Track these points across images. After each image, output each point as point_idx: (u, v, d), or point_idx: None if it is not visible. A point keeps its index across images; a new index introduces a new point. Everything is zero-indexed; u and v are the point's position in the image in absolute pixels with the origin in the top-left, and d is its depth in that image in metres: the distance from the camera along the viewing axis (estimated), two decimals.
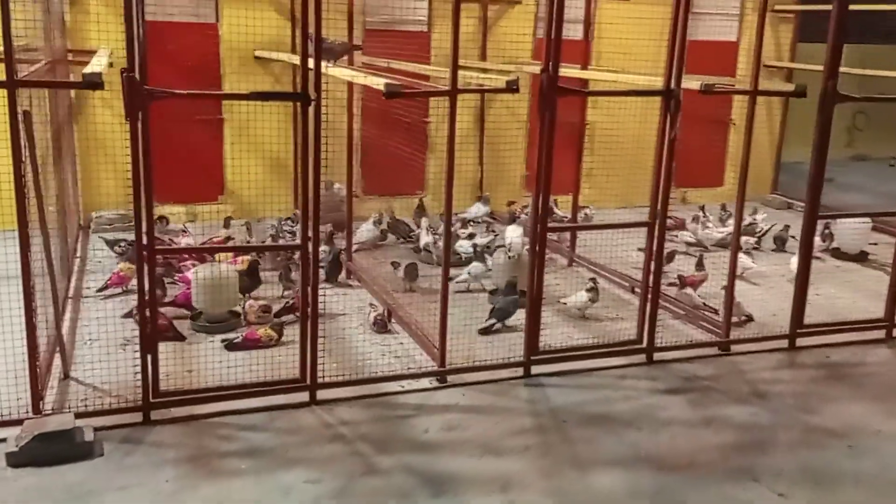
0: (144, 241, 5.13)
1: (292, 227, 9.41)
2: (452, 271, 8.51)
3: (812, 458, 5.21)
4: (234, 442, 5.12)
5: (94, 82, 4.74)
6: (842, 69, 6.53)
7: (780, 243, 10.07)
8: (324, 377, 5.67)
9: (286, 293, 7.51)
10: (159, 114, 9.76)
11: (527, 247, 6.63)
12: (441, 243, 9.02)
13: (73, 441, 4.87)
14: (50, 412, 5.17)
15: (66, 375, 5.84)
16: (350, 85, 8.07)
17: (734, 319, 7.09)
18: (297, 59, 7.36)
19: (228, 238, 8.64)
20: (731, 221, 8.06)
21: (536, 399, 5.91)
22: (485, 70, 10.87)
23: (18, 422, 4.98)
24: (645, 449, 5.22)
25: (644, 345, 6.54)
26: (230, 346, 6.42)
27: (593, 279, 7.74)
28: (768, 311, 7.61)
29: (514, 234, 8.23)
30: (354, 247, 8.88)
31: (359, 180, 10.80)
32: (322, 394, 5.67)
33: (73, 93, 9.30)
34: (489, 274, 8.17)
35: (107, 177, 9.53)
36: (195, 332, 6.77)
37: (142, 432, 5.18)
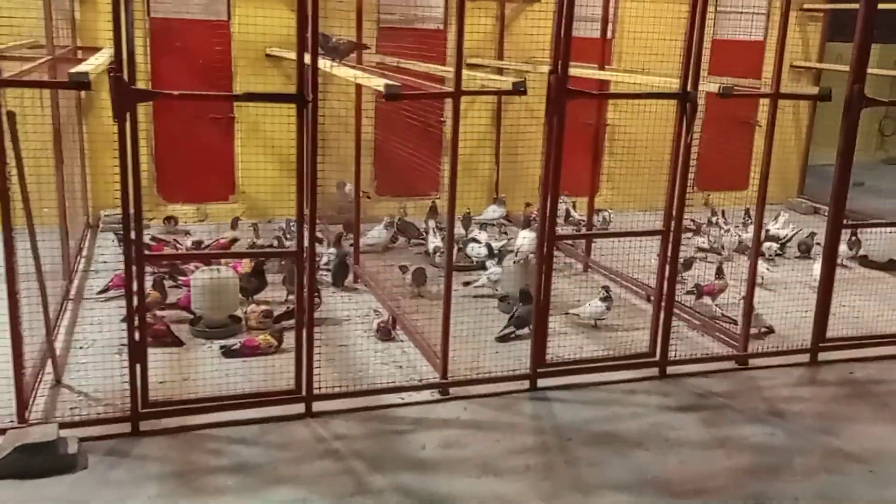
0: (133, 246, 4.92)
1: None
2: (466, 276, 8.39)
3: (831, 485, 4.91)
4: (223, 457, 4.93)
5: (81, 82, 4.57)
6: (871, 71, 6.22)
7: (805, 250, 9.73)
8: (320, 388, 5.47)
9: (290, 297, 7.32)
10: (170, 113, 9.80)
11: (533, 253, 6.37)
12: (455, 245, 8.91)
13: (55, 453, 4.70)
14: (35, 422, 5.00)
15: (57, 381, 5.69)
16: (358, 85, 7.86)
17: (753, 331, 6.81)
18: (306, 58, 7.21)
19: (234, 240, 8.48)
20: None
21: (541, 415, 5.67)
22: (501, 70, 10.69)
23: (2, 431, 4.83)
24: (652, 472, 4.95)
25: (657, 358, 6.27)
26: (228, 352, 6.24)
27: (606, 287, 7.48)
28: (790, 322, 7.28)
29: (524, 239, 7.98)
30: (362, 249, 8.68)
31: (371, 181, 10.63)
32: (318, 405, 5.46)
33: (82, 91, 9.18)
34: (502, 278, 7.93)
35: (116, 175, 9.41)
36: (194, 337, 6.59)
37: (129, 444, 5.00)
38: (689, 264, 8.31)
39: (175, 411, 5.22)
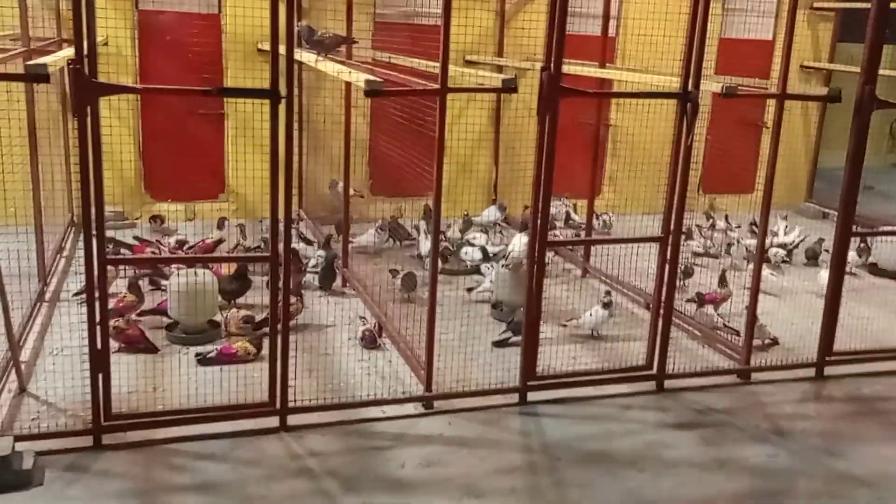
0: (94, 249, 4.63)
1: (293, 228, 8.95)
2: (461, 281, 8.10)
3: None
4: (188, 473, 4.64)
5: (38, 74, 4.29)
6: (883, 72, 5.91)
7: (812, 256, 9.40)
8: (295, 401, 5.17)
9: None
10: (157, 108, 9.52)
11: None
12: (448, 249, 8.61)
13: (9, 468, 4.41)
14: None
15: (22, 390, 5.41)
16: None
17: (757, 343, 6.49)
18: (298, 53, 6.92)
19: (220, 241, 8.19)
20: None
21: (530, 431, 5.36)
22: (500, 67, 10.38)
23: None
24: (646, 496, 4.65)
25: (654, 371, 5.96)
26: (203, 360, 5.95)
27: (608, 292, 7.19)
28: (795, 332, 6.97)
29: (517, 243, 7.67)
30: (354, 250, 8.40)
31: (366, 180, 10.33)
32: (294, 419, 5.17)
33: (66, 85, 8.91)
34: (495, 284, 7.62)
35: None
36: (170, 343, 6.31)
37: (89, 459, 4.71)
38: (690, 272, 7.99)
39: (140, 424, 4.93)
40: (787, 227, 9.84)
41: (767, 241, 9.21)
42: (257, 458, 4.80)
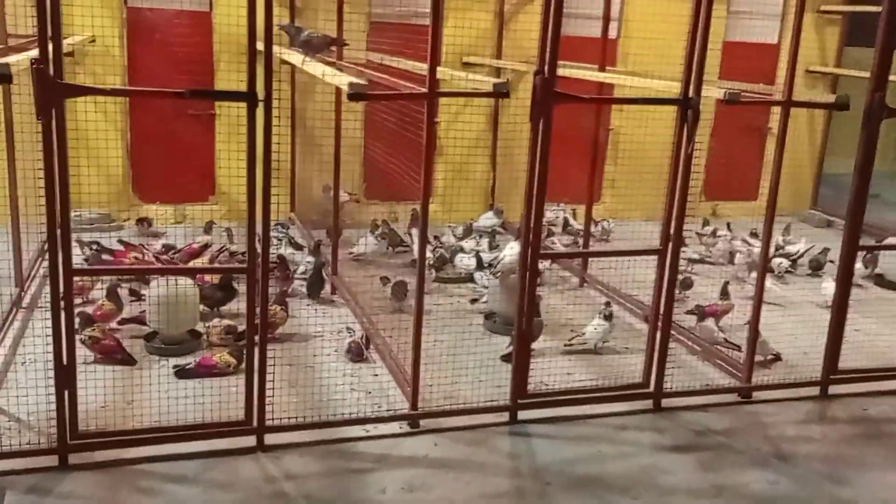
0: (61, 258, 4.39)
1: (283, 233, 8.72)
2: (455, 289, 7.87)
3: None
4: (156, 497, 4.40)
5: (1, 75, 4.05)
6: (894, 78, 5.65)
7: (817, 267, 9.13)
8: (273, 419, 4.92)
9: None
10: (146, 108, 9.28)
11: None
12: (442, 256, 8.36)
13: None
14: None
15: None
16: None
17: (759, 359, 6.24)
18: (287, 54, 6.69)
19: (207, 245, 7.96)
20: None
21: (519, 453, 5.11)
22: (499, 70, 10.14)
23: None
24: None
25: (651, 389, 5.70)
26: (181, 372, 5.71)
27: (608, 303, 6.97)
28: (799, 347, 6.68)
29: (510, 251, 7.43)
30: (351, 255, 8.18)
31: (360, 184, 10.10)
32: (272, 438, 4.93)
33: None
34: (488, 294, 7.38)
35: (87, 174, 8.90)
36: (149, 354, 6.07)
37: (54, 480, 4.47)
38: (689, 283, 7.74)
39: (109, 443, 4.69)
40: (784, 240, 9.54)
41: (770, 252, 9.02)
42: (230, 481, 4.56)
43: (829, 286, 8.09)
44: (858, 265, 8.50)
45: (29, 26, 7.78)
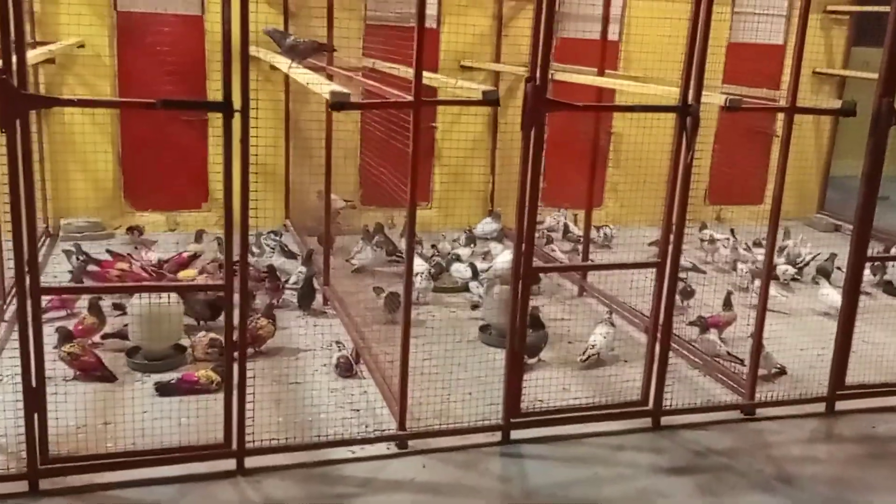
0: (27, 277, 4.21)
1: (276, 241, 8.52)
2: (451, 299, 7.67)
3: None
4: None
5: None
6: None
7: (825, 275, 8.88)
8: (254, 441, 4.73)
9: (254, 323, 6.55)
10: (138, 114, 9.08)
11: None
12: (439, 265, 8.16)
13: None
14: None
15: None
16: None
17: (762, 372, 6.03)
18: (276, 60, 6.51)
19: (195, 255, 7.77)
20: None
21: (510, 476, 4.90)
22: (498, 73, 9.94)
23: None
24: None
25: (650, 406, 5.49)
26: (162, 389, 5.52)
27: (610, 311, 6.79)
28: (805, 360, 6.45)
29: (502, 258, 7.24)
30: (354, 265, 8.01)
31: (356, 190, 9.90)
32: (253, 461, 4.73)
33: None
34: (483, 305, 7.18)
35: (77, 181, 8.78)
36: (131, 370, 5.89)
37: None
38: (691, 291, 7.52)
39: (81, 468, 4.50)
40: (787, 252, 9.29)
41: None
42: None
43: (828, 292, 7.90)
44: (867, 272, 8.27)
45: None
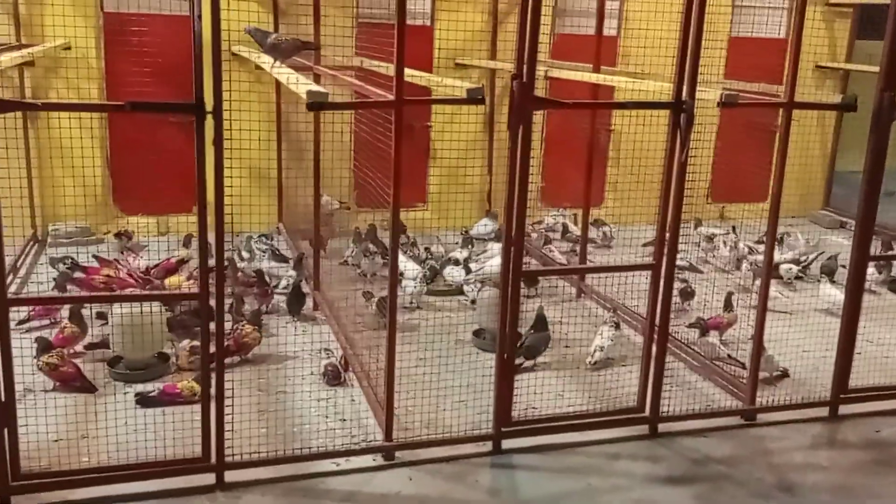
0: None
1: (267, 244, 8.36)
2: (446, 303, 7.49)
3: None
4: None
5: None
6: None
7: (829, 273, 8.68)
8: (233, 455, 4.57)
9: (240, 328, 6.37)
10: (126, 117, 8.93)
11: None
12: (433, 268, 7.99)
13: None
14: None
15: None
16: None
17: (764, 375, 5.85)
18: (262, 60, 6.33)
19: (183, 260, 7.61)
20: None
21: (501, 488, 4.73)
22: (493, 71, 9.76)
23: None
24: None
25: (647, 413, 5.31)
26: (143, 400, 5.36)
27: (615, 310, 6.67)
28: (809, 362, 6.27)
29: (493, 262, 7.07)
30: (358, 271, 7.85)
31: (351, 191, 9.73)
32: (233, 475, 4.57)
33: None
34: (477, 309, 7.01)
35: (66, 186, 8.61)
36: (113, 380, 5.73)
37: None
38: (691, 292, 7.33)
39: (55, 483, 4.35)
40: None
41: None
42: None
43: (828, 290, 7.70)
44: (871, 270, 8.08)
45: None
